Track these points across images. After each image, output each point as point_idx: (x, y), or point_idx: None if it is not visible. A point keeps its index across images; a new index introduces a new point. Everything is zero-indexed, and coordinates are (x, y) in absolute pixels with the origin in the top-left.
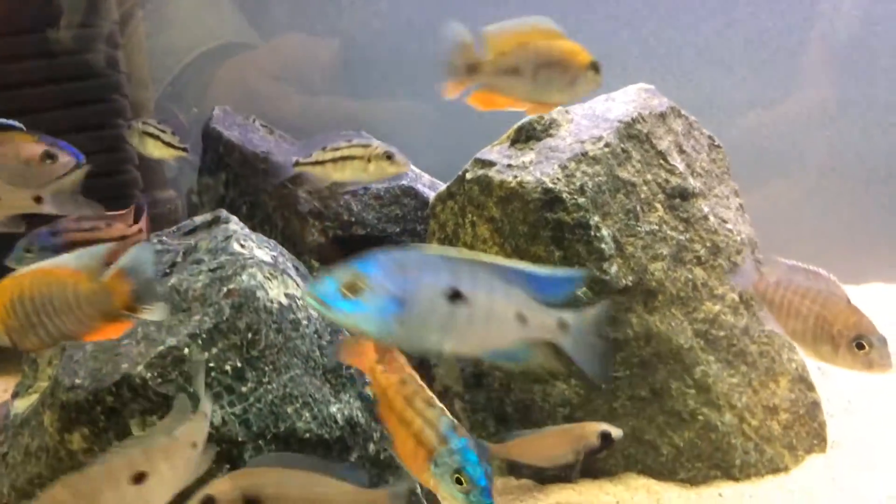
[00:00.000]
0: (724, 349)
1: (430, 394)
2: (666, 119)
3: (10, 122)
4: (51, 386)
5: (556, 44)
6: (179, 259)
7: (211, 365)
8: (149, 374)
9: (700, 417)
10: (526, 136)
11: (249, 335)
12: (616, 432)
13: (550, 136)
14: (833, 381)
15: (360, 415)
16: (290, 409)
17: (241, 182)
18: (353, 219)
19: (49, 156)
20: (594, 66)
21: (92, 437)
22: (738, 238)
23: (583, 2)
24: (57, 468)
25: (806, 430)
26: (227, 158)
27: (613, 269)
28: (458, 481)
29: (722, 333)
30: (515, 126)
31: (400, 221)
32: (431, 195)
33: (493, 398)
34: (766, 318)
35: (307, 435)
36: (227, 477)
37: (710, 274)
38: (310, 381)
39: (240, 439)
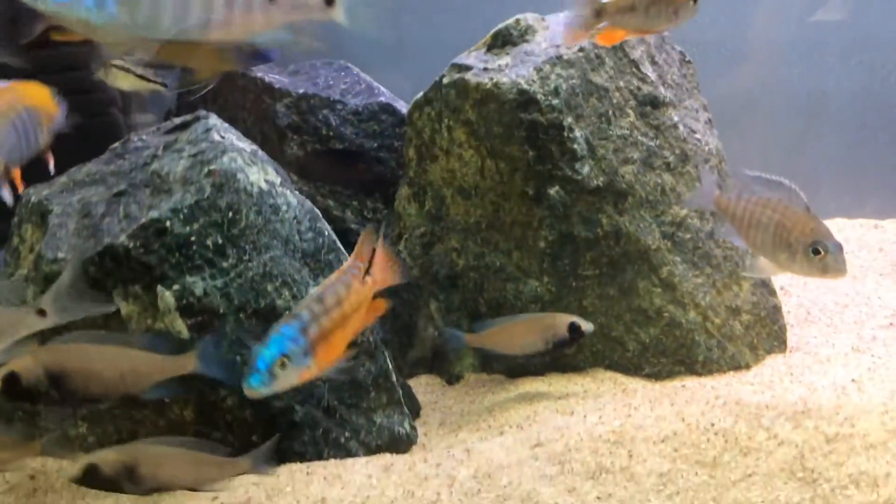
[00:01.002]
0: (689, 251)
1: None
2: None
3: None
4: (33, 261)
5: None
6: (159, 153)
7: (192, 239)
8: (131, 244)
9: (665, 315)
10: (502, 41)
11: (230, 214)
12: (586, 326)
13: (526, 41)
14: (794, 297)
15: None
16: (269, 287)
17: (218, 98)
18: (331, 133)
19: None
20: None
21: None
22: (707, 148)
23: None
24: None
25: (767, 332)
26: None
27: (585, 169)
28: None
29: (688, 236)
30: (492, 32)
31: (377, 137)
32: None
33: (468, 298)
34: (728, 233)
35: (286, 311)
36: (28, 355)
37: (679, 180)
38: (289, 263)
39: (221, 311)
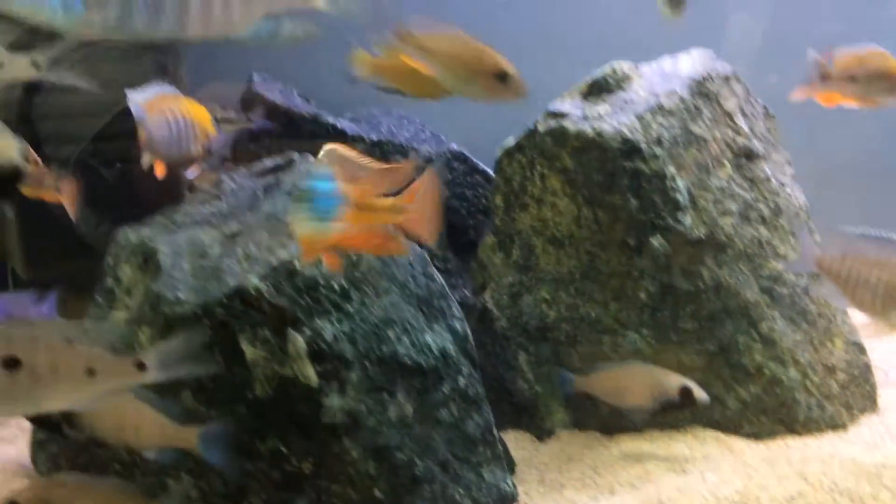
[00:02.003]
0: (787, 306)
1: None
2: (729, 82)
3: None
4: (148, 302)
5: (886, 62)
6: (261, 194)
7: (320, 282)
8: (264, 286)
9: (766, 372)
10: (599, 89)
11: (353, 255)
12: (699, 393)
13: (622, 89)
14: (871, 355)
15: (451, 347)
16: (390, 333)
17: (283, 144)
18: None
19: None
20: None
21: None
22: (797, 203)
23: None
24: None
25: (860, 392)
26: (272, 120)
27: (688, 220)
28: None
29: (785, 291)
30: (588, 79)
31: (449, 185)
32: (479, 163)
33: (559, 351)
34: (830, 294)
35: (407, 360)
36: None
37: (774, 233)
38: (406, 308)
39: (348, 357)
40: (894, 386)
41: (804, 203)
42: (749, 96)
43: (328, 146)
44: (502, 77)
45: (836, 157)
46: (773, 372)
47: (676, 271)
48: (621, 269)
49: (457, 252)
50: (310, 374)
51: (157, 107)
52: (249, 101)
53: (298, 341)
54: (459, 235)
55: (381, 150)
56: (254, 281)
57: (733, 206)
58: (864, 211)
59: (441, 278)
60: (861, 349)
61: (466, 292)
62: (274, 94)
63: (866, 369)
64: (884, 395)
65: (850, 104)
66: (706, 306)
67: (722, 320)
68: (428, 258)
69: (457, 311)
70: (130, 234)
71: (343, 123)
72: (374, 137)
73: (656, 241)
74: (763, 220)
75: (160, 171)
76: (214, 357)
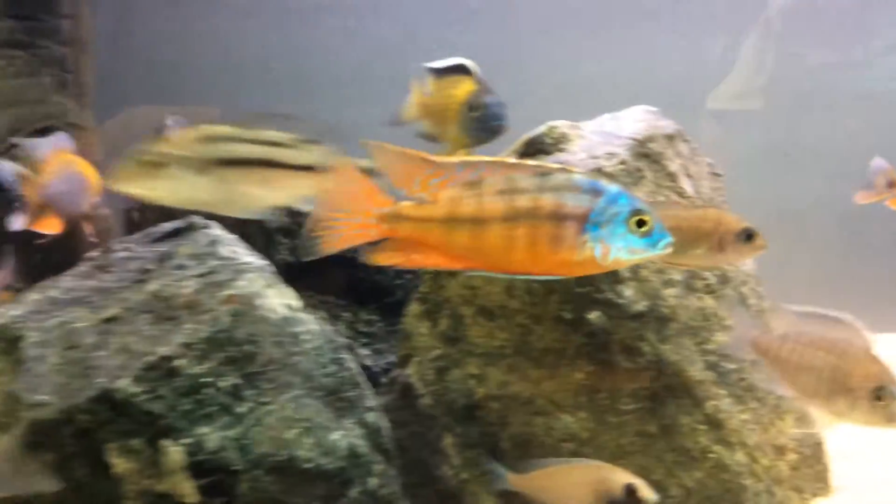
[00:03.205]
0: (734, 383)
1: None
2: (673, 141)
3: None
4: (4, 402)
5: None
6: (152, 266)
7: (206, 381)
8: (136, 389)
9: (711, 456)
10: (535, 149)
11: (249, 348)
12: (646, 493)
13: (561, 150)
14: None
15: (361, 443)
16: (290, 435)
17: None
18: None
19: None
20: None
21: (56, 464)
22: (744, 269)
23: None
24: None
25: (812, 473)
26: None
27: (628, 292)
28: (640, 224)
29: (732, 366)
30: (523, 139)
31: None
32: None
33: (488, 432)
34: (768, 381)
35: (308, 465)
36: None
37: (720, 303)
38: (311, 404)
39: (236, 468)
40: (851, 459)
41: (751, 269)
42: (695, 155)
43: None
44: None
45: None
46: (719, 456)
47: (615, 348)
48: (556, 345)
49: (384, 314)
50: (186, 490)
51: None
52: None
53: (174, 453)
54: (385, 295)
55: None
56: (124, 382)
57: (677, 276)
58: (816, 261)
59: (354, 363)
60: (813, 425)
61: (393, 358)
62: None
63: (818, 448)
64: (840, 472)
65: None
66: (647, 385)
67: (664, 400)
68: (340, 341)
69: (370, 400)
70: None
71: None
72: None
73: (594, 316)
74: (709, 290)
75: (54, 226)
76: (70, 470)
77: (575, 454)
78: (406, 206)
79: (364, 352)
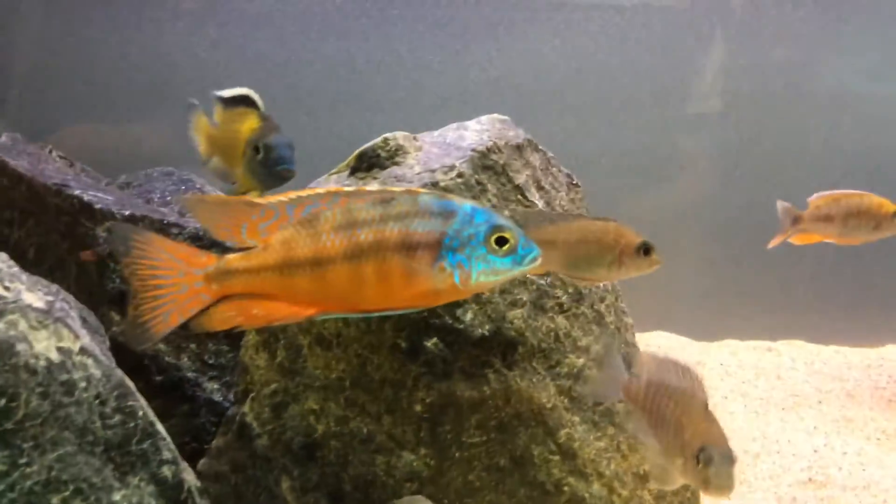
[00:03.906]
0: (589, 408)
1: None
2: (523, 152)
3: None
4: None
5: (863, 199)
6: None
7: None
8: None
9: (566, 489)
10: (369, 163)
11: (2, 401)
12: None
13: (396, 164)
14: None
15: (153, 503)
16: (55, 500)
17: (28, 220)
18: None
19: None
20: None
21: None
22: (602, 284)
23: (434, 42)
24: None
25: (679, 500)
26: (13, 192)
27: (468, 316)
28: (500, 241)
29: (588, 390)
30: (356, 153)
31: None
32: None
33: (328, 474)
34: (638, 429)
35: None
36: None
37: (574, 323)
38: (85, 462)
39: None
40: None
41: (611, 284)
42: (550, 166)
43: None
44: None
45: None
46: (574, 488)
47: (458, 377)
48: (394, 375)
49: (234, 344)
50: None
51: None
52: None
53: None
54: None
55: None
56: None
57: (524, 296)
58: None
59: (146, 410)
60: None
61: None
62: (20, 159)
63: None
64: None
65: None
66: (494, 415)
67: (514, 430)
68: (130, 387)
69: (167, 452)
70: None
71: (93, 195)
72: (128, 212)
73: (431, 344)
74: (562, 310)
75: None
76: None
77: (418, 494)
78: (233, 258)
79: (212, 386)
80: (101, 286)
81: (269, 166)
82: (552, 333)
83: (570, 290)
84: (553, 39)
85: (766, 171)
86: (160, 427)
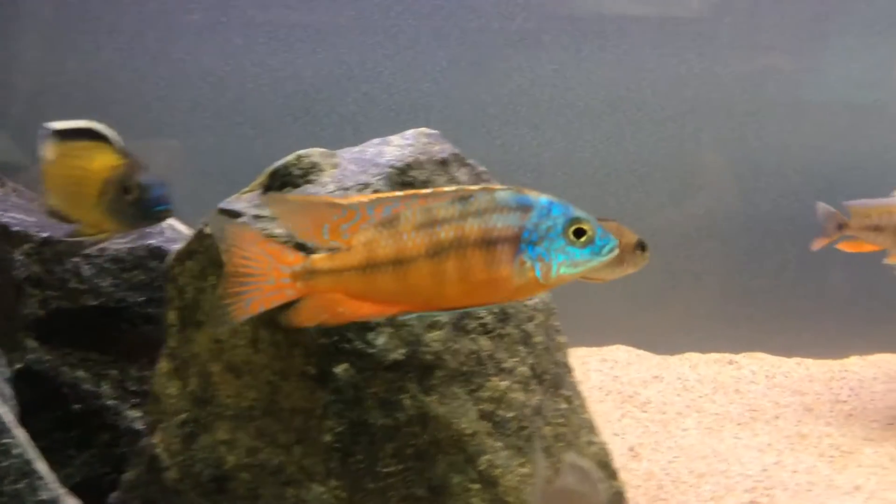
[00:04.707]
0: (513, 433)
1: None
2: (448, 167)
3: None
4: None
5: None
6: None
7: None
8: None
9: None
10: (281, 182)
11: None
12: None
13: (310, 182)
14: (644, 463)
15: None
16: None
17: None
18: (83, 286)
19: None
20: None
21: None
22: (530, 303)
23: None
24: None
25: None
26: None
27: (381, 340)
28: (578, 233)
29: (511, 414)
30: (268, 170)
31: (145, 289)
32: None
33: None
34: None
35: None
36: None
37: (498, 344)
38: None
39: None
40: (667, 502)
41: (544, 301)
42: (480, 180)
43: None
44: None
45: None
46: None
47: (370, 403)
48: (303, 404)
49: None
50: None
51: None
52: None
53: None
54: (158, 349)
55: (54, 250)
56: None
57: (443, 318)
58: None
59: (24, 447)
60: (611, 474)
61: None
62: None
63: (617, 497)
64: None
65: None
66: (411, 443)
67: (432, 458)
68: (6, 423)
69: (47, 489)
70: None
71: (13, 217)
72: (46, 234)
73: (341, 370)
74: (485, 330)
75: None
76: None
77: None
78: (318, 258)
79: (133, 414)
80: (17, 312)
81: (146, 207)
82: (474, 356)
83: (496, 310)
84: (504, 49)
85: (726, 181)
86: (40, 465)
